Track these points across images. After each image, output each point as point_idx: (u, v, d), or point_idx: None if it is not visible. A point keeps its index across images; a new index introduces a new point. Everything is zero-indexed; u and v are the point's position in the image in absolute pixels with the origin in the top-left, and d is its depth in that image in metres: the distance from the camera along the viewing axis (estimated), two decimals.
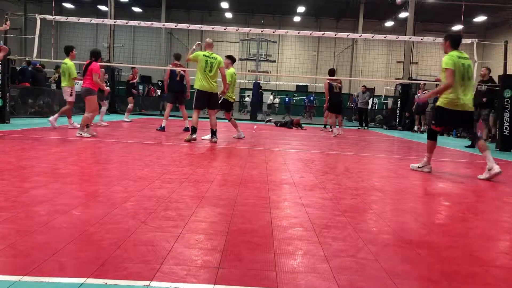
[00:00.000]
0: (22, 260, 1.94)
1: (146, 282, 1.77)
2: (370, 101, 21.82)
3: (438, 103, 5.47)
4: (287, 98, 27.47)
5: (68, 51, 9.01)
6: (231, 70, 8.83)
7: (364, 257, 2.23)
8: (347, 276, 1.96)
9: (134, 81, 13.54)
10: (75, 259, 1.99)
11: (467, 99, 5.28)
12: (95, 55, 8.02)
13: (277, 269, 2.00)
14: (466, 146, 10.12)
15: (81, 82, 17.22)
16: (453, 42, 5.43)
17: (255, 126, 14.26)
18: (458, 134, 14.51)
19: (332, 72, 11.96)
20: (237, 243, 2.33)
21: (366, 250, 2.34)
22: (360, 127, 17.26)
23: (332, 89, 11.58)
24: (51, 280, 1.75)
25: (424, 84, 16.46)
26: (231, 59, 8.95)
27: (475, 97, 10.41)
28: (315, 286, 1.84)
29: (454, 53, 5.31)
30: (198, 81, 7.78)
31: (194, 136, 7.77)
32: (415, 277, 2.02)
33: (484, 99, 10.20)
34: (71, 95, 9.11)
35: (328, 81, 11.75)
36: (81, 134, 7.52)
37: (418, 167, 5.71)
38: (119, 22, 12.71)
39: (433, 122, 5.71)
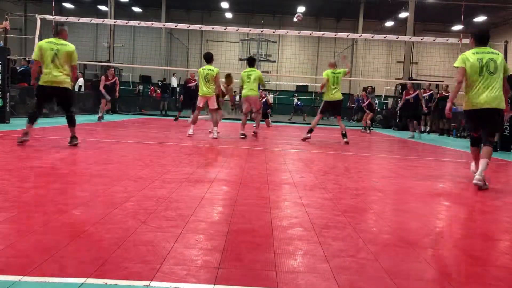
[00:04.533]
0: (22, 260, 1.94)
1: (146, 282, 1.77)
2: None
3: None
4: (299, 102, 25.50)
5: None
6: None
7: (364, 257, 2.23)
8: (347, 276, 1.96)
9: (193, 84, 11.40)
10: (75, 259, 1.99)
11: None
12: None
13: (277, 269, 1.99)
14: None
15: (80, 79, 17.32)
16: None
17: (255, 126, 14.21)
18: (458, 134, 14.50)
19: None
20: (237, 243, 2.33)
21: (366, 250, 2.34)
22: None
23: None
24: (51, 280, 1.75)
25: (429, 84, 16.31)
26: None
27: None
28: (315, 286, 1.84)
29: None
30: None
31: None
32: (415, 277, 2.02)
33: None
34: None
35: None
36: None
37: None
38: (119, 22, 12.72)
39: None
